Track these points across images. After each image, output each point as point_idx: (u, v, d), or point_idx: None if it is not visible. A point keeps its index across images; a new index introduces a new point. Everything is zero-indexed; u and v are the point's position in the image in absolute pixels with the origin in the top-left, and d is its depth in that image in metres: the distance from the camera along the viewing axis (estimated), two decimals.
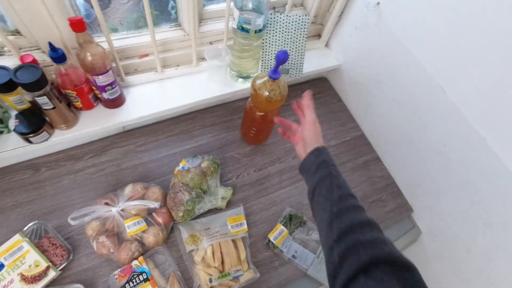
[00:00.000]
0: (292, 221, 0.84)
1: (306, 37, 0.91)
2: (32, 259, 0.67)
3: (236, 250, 0.77)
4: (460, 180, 0.77)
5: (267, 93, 0.71)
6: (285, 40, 0.91)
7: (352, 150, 1.03)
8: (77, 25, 0.61)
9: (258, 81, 0.73)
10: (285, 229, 0.82)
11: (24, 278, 0.65)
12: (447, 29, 0.68)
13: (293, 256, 0.80)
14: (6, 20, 0.70)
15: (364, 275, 0.38)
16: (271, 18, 0.86)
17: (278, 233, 0.82)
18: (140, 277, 0.69)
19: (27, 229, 0.71)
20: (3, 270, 0.65)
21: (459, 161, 0.76)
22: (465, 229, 0.79)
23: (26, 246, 0.68)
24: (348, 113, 1.11)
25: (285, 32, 0.89)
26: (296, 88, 1.11)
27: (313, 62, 1.04)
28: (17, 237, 0.68)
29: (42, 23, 0.66)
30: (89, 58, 0.67)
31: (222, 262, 0.74)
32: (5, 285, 0.64)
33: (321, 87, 1.15)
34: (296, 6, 1.03)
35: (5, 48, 0.72)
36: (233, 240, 0.78)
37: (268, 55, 0.92)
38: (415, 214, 0.96)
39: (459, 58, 0.68)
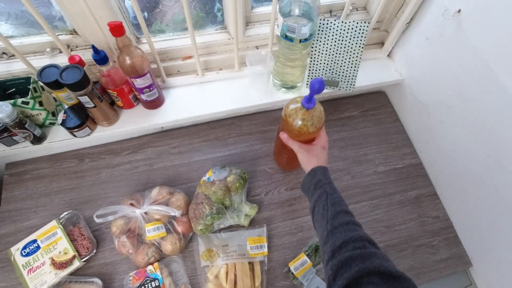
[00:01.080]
0: (318, 253, 0.76)
1: (362, 47, 0.79)
2: (62, 246, 0.72)
3: (251, 274, 0.72)
4: None
5: (299, 123, 0.61)
6: (337, 49, 0.80)
7: (404, 180, 0.88)
8: (116, 30, 0.61)
9: (291, 106, 0.63)
10: (308, 260, 0.75)
11: (54, 263, 0.70)
12: None
13: None
14: (66, 21, 0.75)
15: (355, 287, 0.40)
16: (322, 23, 0.76)
17: (300, 263, 0.74)
18: (153, 283, 0.69)
19: (62, 216, 0.76)
20: (38, 252, 0.71)
21: None
22: None
23: (60, 232, 0.73)
24: (405, 135, 0.95)
25: (339, 40, 0.79)
26: (346, 102, 0.99)
27: (370, 74, 0.91)
28: (53, 222, 0.74)
29: (91, 24, 0.68)
30: (128, 62, 0.67)
31: (235, 284, 0.70)
32: (38, 266, 0.70)
33: (377, 102, 1.01)
34: (357, 10, 0.90)
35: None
36: (250, 262, 0.73)
37: (316, 65, 0.83)
38: (474, 270, 0.79)
39: None
